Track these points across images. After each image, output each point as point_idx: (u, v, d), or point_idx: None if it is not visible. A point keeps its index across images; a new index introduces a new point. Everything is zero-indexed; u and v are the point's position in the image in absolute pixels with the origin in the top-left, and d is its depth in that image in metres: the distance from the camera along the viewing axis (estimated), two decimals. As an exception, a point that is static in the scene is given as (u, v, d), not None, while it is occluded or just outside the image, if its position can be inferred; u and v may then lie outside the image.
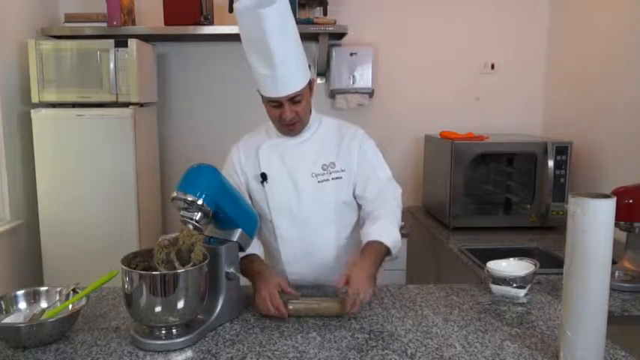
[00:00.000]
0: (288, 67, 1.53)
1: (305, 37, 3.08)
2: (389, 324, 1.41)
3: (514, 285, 1.58)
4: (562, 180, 2.64)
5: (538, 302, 1.57)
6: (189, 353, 1.27)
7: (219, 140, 3.29)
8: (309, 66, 3.30)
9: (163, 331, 1.30)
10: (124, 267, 1.28)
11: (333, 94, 3.22)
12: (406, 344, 1.30)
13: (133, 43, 2.67)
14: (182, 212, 1.37)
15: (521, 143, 2.81)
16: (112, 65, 2.66)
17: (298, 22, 2.88)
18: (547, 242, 2.45)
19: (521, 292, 1.58)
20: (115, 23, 2.79)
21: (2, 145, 2.60)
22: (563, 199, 2.62)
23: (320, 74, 3.22)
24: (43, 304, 1.42)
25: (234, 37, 3.00)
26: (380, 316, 1.46)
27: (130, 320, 1.39)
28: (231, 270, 1.42)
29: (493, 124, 3.20)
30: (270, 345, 1.30)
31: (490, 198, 3.01)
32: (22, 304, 1.42)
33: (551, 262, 2.12)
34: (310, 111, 1.71)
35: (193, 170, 1.41)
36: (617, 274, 1.80)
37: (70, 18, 2.93)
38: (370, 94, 3.21)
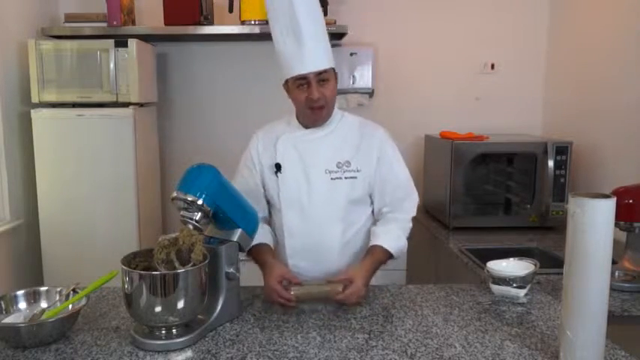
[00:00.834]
0: (316, 44, 1.57)
1: (305, 37, 3.11)
2: (389, 324, 1.41)
3: (514, 285, 1.58)
4: (562, 180, 2.64)
5: (538, 302, 1.57)
6: (189, 353, 1.27)
7: (219, 140, 3.33)
8: None
9: (163, 331, 1.30)
10: (124, 267, 1.28)
11: (333, 94, 3.22)
12: (406, 344, 1.30)
13: (133, 43, 2.67)
14: (182, 212, 1.37)
15: (521, 143, 2.81)
16: (112, 65, 2.66)
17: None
18: (547, 242, 2.45)
19: (521, 292, 1.58)
20: (115, 23, 2.79)
21: (2, 145, 2.60)
22: (563, 199, 2.62)
23: (320, 74, 3.22)
24: (43, 304, 1.42)
25: (234, 37, 3.03)
26: (380, 316, 1.46)
27: (130, 320, 1.39)
28: (231, 270, 1.42)
29: (493, 124, 3.20)
30: (270, 345, 1.30)
31: (490, 198, 3.01)
32: (22, 304, 1.42)
33: (551, 262, 2.12)
34: (334, 103, 1.72)
35: (193, 170, 1.42)
36: (617, 274, 1.80)
37: (70, 18, 2.93)
38: (370, 94, 3.21)
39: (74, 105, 2.73)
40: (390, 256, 1.66)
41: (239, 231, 1.47)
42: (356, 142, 1.71)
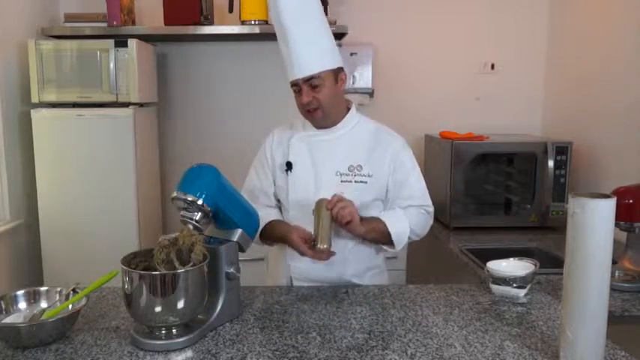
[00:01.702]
0: (303, 48, 1.56)
1: (305, 37, 3.11)
2: (389, 324, 1.41)
3: (514, 285, 1.58)
4: (562, 180, 2.64)
5: (538, 302, 1.57)
6: (189, 353, 1.27)
7: (220, 140, 3.33)
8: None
9: (163, 331, 1.30)
10: (124, 267, 1.28)
11: (333, 94, 3.22)
12: (406, 344, 1.30)
13: (133, 43, 2.67)
14: (182, 212, 1.37)
15: (521, 143, 2.81)
16: (112, 65, 2.66)
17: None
18: (547, 242, 2.45)
19: (521, 292, 1.58)
20: (115, 23, 2.79)
21: (2, 145, 2.60)
22: (563, 199, 2.62)
23: (320, 74, 3.22)
24: (43, 304, 1.42)
25: (234, 37, 3.03)
26: (380, 316, 1.46)
27: (130, 320, 1.39)
28: (231, 270, 1.42)
29: (493, 124, 3.20)
30: (270, 345, 1.30)
31: (490, 198, 3.01)
32: (22, 304, 1.42)
33: (551, 262, 2.12)
34: (345, 106, 1.72)
35: (193, 170, 1.42)
36: (617, 274, 1.80)
37: (70, 18, 2.93)
38: (370, 94, 3.21)
39: (74, 105, 2.73)
40: (388, 236, 1.65)
41: (239, 231, 1.47)
42: (370, 148, 1.70)
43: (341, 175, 1.67)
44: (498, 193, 2.99)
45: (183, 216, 1.37)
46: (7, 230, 2.61)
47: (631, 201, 1.75)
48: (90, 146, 2.68)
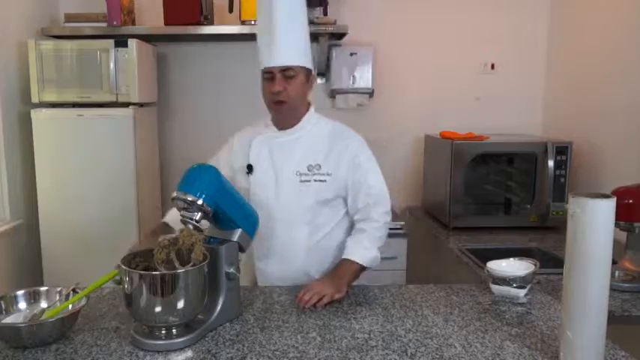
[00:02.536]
0: (287, 40, 1.62)
1: (305, 37, 3.11)
2: (389, 324, 1.41)
3: (514, 285, 1.58)
4: (562, 180, 2.64)
5: (538, 302, 1.57)
6: (189, 353, 1.27)
7: (219, 140, 3.31)
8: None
9: (163, 331, 1.30)
10: (123, 267, 1.28)
11: (333, 94, 3.22)
12: (406, 344, 1.30)
13: (133, 43, 2.67)
14: (182, 212, 1.37)
15: (521, 143, 2.81)
16: (112, 65, 2.66)
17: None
18: (547, 242, 2.45)
19: (521, 292, 1.58)
20: (115, 23, 2.79)
21: (2, 145, 2.60)
22: (563, 199, 2.62)
23: (320, 74, 3.22)
24: (43, 304, 1.42)
25: (234, 37, 3.03)
26: (380, 316, 1.46)
27: (130, 320, 1.39)
28: (231, 270, 1.42)
29: (493, 124, 3.20)
30: (270, 345, 1.30)
31: (490, 198, 3.01)
32: (22, 304, 1.42)
33: (551, 262, 2.13)
34: (307, 104, 1.75)
35: (193, 170, 1.42)
36: (617, 274, 1.80)
37: (70, 18, 2.93)
38: (370, 94, 3.21)
39: (74, 105, 2.73)
40: (361, 267, 1.68)
41: (239, 231, 1.47)
42: (328, 147, 1.72)
43: (300, 174, 1.69)
44: (498, 193, 2.99)
45: (183, 216, 1.37)
46: (7, 230, 2.61)
47: (631, 201, 1.76)
48: (90, 146, 2.68)
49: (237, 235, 1.46)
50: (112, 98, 2.70)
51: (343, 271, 1.64)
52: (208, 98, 3.24)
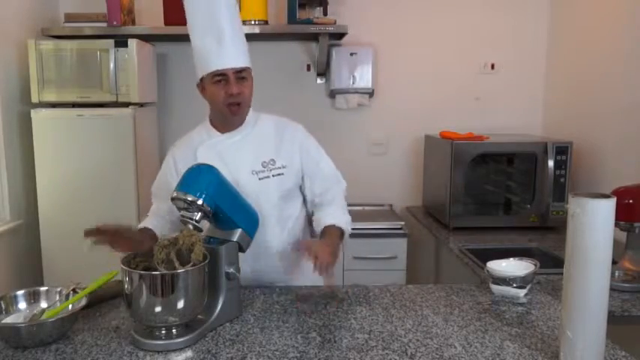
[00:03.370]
0: (236, 43, 1.61)
1: (305, 37, 3.12)
2: (389, 324, 1.41)
3: (514, 285, 1.58)
4: (562, 180, 2.64)
5: (538, 302, 1.57)
6: (189, 353, 1.27)
7: (219, 140, 3.32)
8: (308, 65, 3.26)
9: (163, 331, 1.30)
10: (123, 267, 1.28)
11: (333, 94, 3.22)
12: (406, 344, 1.30)
13: (133, 43, 2.67)
14: (182, 212, 1.38)
15: (521, 143, 2.81)
16: (112, 65, 2.66)
17: (298, 22, 2.91)
18: (547, 242, 2.45)
19: (521, 292, 1.58)
20: (114, 23, 2.79)
21: (2, 145, 2.60)
22: (563, 199, 2.62)
23: (320, 74, 3.22)
24: (43, 304, 1.42)
25: (234, 37, 3.02)
26: (380, 316, 1.46)
27: (130, 320, 1.39)
28: (231, 270, 1.42)
29: (493, 124, 3.20)
30: (270, 345, 1.30)
31: (490, 198, 3.01)
32: (22, 304, 1.42)
33: (551, 262, 2.12)
34: (251, 102, 1.73)
35: (193, 170, 1.42)
36: (617, 274, 1.80)
37: (70, 18, 2.93)
38: (370, 94, 3.21)
39: (74, 105, 2.73)
40: (341, 233, 1.70)
41: (239, 231, 1.47)
42: (276, 140, 1.73)
43: (257, 173, 1.68)
44: (498, 193, 2.99)
45: (183, 216, 1.37)
46: (7, 230, 2.61)
47: (631, 201, 1.75)
48: (90, 146, 2.68)
49: (237, 235, 1.46)
50: (111, 98, 2.70)
51: (332, 238, 1.66)
52: (208, 98, 3.23)
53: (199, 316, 1.37)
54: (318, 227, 1.72)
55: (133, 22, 2.94)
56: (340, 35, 3.02)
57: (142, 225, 1.73)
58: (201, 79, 1.65)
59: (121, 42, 2.66)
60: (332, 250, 1.56)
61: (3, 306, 1.40)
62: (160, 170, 1.79)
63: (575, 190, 1.28)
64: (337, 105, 3.21)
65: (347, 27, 2.88)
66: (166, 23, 2.85)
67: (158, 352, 1.27)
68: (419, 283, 1.76)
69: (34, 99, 2.69)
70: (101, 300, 1.53)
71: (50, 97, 2.70)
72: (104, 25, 2.83)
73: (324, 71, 3.20)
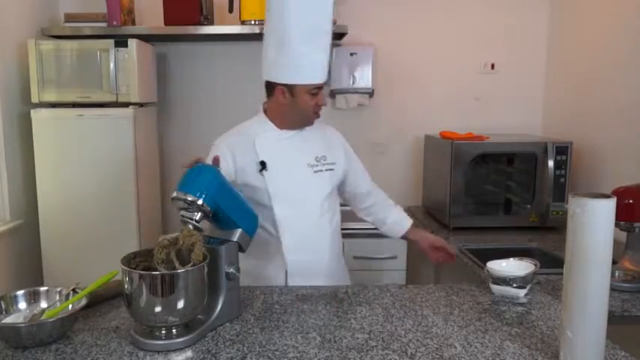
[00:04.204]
0: (326, 56, 1.74)
1: (305, 37, 3.11)
2: (389, 324, 1.41)
3: (514, 285, 1.58)
4: (562, 180, 2.64)
5: (538, 302, 1.57)
6: (189, 353, 1.27)
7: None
8: None
9: (163, 331, 1.30)
10: (123, 267, 1.28)
11: (333, 94, 3.22)
12: (406, 344, 1.30)
13: (133, 43, 2.67)
14: (182, 212, 1.37)
15: (521, 143, 2.81)
16: (112, 65, 2.66)
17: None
18: (547, 242, 2.45)
19: (521, 292, 1.58)
20: (114, 23, 2.79)
21: (2, 145, 2.60)
22: (563, 199, 2.62)
23: (320, 74, 3.22)
24: (43, 304, 1.42)
25: (234, 37, 3.03)
26: (380, 316, 1.46)
27: (130, 320, 1.39)
28: (231, 270, 1.42)
29: (493, 124, 3.20)
30: (270, 345, 1.30)
31: (490, 198, 3.01)
32: (22, 304, 1.42)
33: (551, 262, 2.12)
34: None
35: (193, 170, 1.41)
36: (617, 274, 1.80)
37: (70, 18, 2.93)
38: (370, 94, 3.21)
39: (74, 105, 2.73)
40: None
41: (239, 231, 1.47)
42: (322, 139, 1.87)
43: (312, 166, 1.81)
44: (498, 193, 2.99)
45: (183, 216, 1.37)
46: (7, 230, 2.61)
47: (631, 201, 1.75)
48: (90, 146, 2.68)
49: (237, 235, 1.46)
50: (112, 98, 2.70)
51: (427, 234, 2.04)
52: (208, 98, 3.24)
53: (199, 316, 1.37)
54: (399, 227, 2.01)
55: (133, 22, 2.94)
56: (340, 35, 3.02)
57: None
58: (287, 85, 1.71)
59: (121, 42, 2.66)
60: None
61: (3, 306, 1.40)
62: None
63: (575, 190, 1.28)
64: (337, 105, 3.21)
65: (347, 27, 2.88)
66: (166, 23, 2.85)
67: (158, 352, 1.27)
68: (419, 283, 1.76)
69: (34, 99, 2.68)
70: (101, 300, 1.53)
71: (50, 97, 2.70)
72: (104, 25, 2.83)
73: (324, 71, 3.20)
